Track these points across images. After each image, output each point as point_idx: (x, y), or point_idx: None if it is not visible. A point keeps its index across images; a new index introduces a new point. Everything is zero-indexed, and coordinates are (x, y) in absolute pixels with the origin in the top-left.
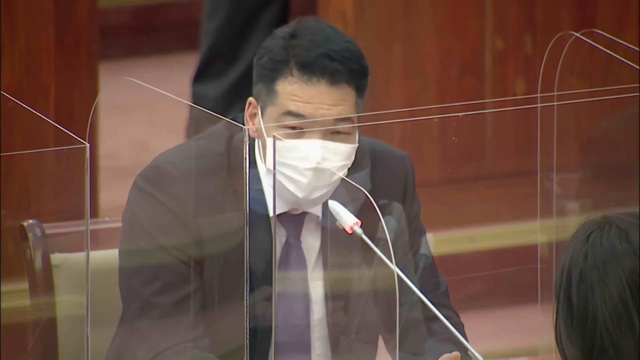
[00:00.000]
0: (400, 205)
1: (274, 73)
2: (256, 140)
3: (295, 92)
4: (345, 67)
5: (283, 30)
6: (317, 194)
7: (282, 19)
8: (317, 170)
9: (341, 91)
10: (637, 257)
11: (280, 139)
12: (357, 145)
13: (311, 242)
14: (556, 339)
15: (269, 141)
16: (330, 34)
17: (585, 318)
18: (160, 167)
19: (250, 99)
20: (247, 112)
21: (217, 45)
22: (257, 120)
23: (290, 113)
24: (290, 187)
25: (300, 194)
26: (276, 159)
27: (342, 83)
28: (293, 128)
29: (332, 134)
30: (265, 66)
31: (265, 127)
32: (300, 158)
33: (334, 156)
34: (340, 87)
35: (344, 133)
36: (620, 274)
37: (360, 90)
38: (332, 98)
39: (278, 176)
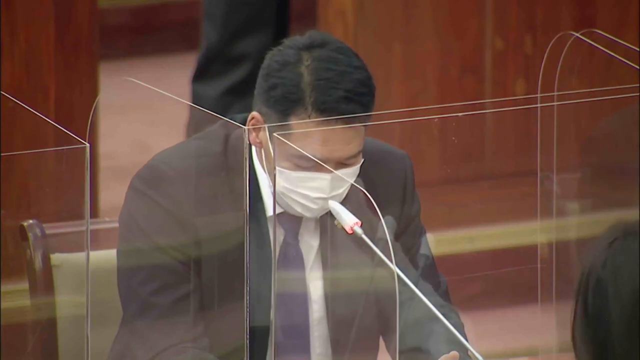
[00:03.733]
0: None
1: (288, 109)
2: (254, 147)
3: (311, 134)
4: (361, 107)
5: (291, 55)
6: (324, 212)
7: (282, 19)
8: (328, 197)
9: (354, 127)
10: None
11: (280, 139)
12: (362, 160)
13: (310, 242)
14: (572, 340)
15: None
16: (342, 63)
17: (599, 327)
18: (156, 167)
19: (255, 113)
20: (249, 123)
21: (213, 47)
22: (261, 133)
23: (304, 156)
24: (299, 209)
25: (309, 215)
26: (287, 186)
27: (356, 121)
28: (305, 166)
29: (343, 164)
30: (278, 101)
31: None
32: (312, 188)
33: (343, 182)
34: (354, 124)
35: (353, 157)
36: (636, 286)
37: (369, 116)
38: (347, 137)
39: (287, 200)
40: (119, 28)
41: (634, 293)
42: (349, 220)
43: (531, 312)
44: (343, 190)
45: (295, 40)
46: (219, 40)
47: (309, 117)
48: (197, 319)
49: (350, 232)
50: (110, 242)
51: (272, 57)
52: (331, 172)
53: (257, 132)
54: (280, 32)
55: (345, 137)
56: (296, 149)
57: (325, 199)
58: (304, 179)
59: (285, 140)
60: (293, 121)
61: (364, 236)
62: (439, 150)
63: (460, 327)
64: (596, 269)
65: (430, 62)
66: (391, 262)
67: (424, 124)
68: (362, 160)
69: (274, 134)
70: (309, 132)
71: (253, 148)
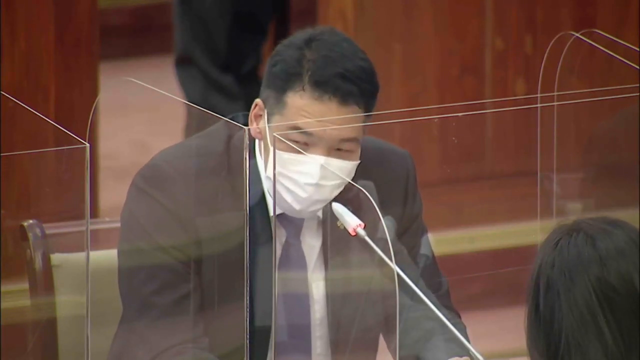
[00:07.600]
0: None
1: (285, 84)
2: (257, 140)
3: (305, 107)
4: (357, 88)
5: (298, 39)
6: (314, 208)
7: (281, 20)
8: (318, 186)
9: (350, 110)
10: (603, 264)
11: (280, 138)
12: (358, 162)
13: (311, 242)
14: (527, 343)
15: (272, 149)
16: (346, 50)
17: (551, 326)
18: (157, 165)
19: (257, 100)
20: (252, 112)
21: (181, 53)
22: (261, 122)
23: (297, 128)
24: (289, 198)
25: (297, 207)
26: (278, 169)
27: (352, 104)
28: (298, 141)
29: (337, 150)
30: (278, 75)
31: (270, 137)
32: (302, 172)
33: (334, 174)
34: (349, 107)
35: (348, 150)
36: (586, 281)
37: (369, 110)
38: (341, 115)
39: (278, 186)
40: (119, 28)
41: (585, 284)
42: (352, 222)
43: None
44: (333, 184)
45: (304, 30)
46: (182, 48)
47: (304, 90)
48: (197, 319)
49: (353, 234)
50: (110, 242)
51: (281, 44)
52: (323, 157)
53: (257, 122)
54: (280, 33)
55: (339, 115)
56: (290, 124)
57: (314, 185)
58: (294, 162)
59: (283, 139)
60: (289, 96)
61: (367, 238)
62: (439, 150)
63: (462, 330)
64: (546, 271)
65: (430, 62)
66: (392, 262)
67: (424, 124)
68: (360, 158)
69: (274, 133)
70: (303, 107)
71: (256, 147)
